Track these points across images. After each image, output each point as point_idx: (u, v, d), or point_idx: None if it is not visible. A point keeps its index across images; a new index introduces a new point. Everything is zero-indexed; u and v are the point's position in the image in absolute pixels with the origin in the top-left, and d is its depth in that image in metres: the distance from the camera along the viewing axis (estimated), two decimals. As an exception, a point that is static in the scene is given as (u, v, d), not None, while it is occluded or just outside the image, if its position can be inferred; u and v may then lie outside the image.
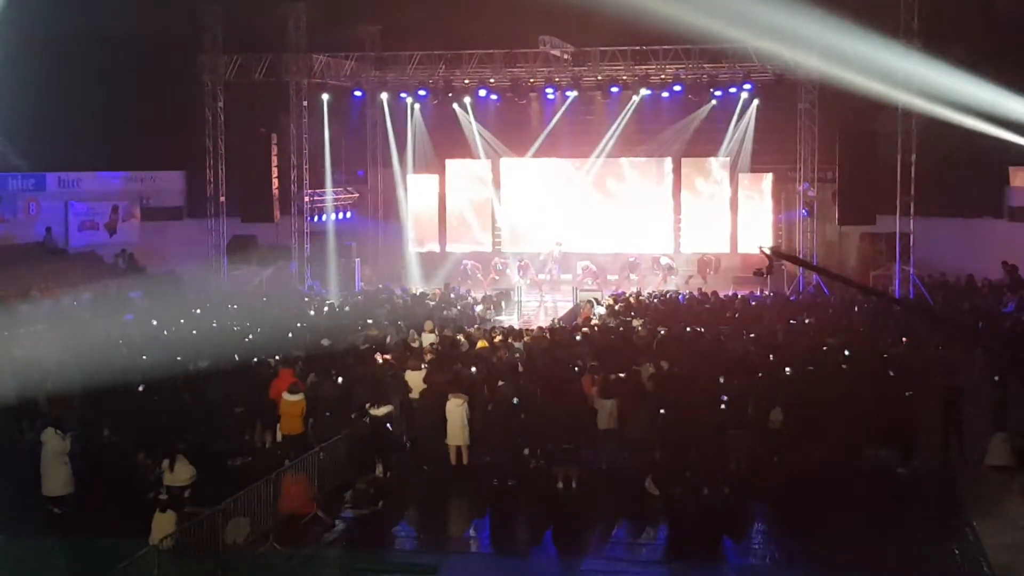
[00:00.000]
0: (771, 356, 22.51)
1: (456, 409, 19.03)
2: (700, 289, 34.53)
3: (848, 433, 19.06)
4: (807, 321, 28.04)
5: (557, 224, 41.33)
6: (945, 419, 19.49)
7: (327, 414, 19.73)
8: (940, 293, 32.75)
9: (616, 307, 30.94)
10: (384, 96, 41.30)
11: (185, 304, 32.11)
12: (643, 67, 37.23)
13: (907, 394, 19.65)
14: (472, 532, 17.37)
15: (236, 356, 23.38)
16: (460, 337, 25.21)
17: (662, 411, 18.91)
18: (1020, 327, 26.66)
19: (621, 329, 26.56)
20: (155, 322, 28.83)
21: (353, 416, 18.95)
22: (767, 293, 34.75)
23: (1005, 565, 14.99)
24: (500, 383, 20.11)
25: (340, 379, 21.08)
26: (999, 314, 28.56)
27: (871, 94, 31.67)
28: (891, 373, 20.56)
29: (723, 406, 19.06)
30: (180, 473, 16.79)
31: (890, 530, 16.30)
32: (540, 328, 27.65)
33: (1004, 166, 36.86)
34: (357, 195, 43.04)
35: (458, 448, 19.17)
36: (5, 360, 25.27)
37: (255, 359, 22.81)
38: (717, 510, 17.20)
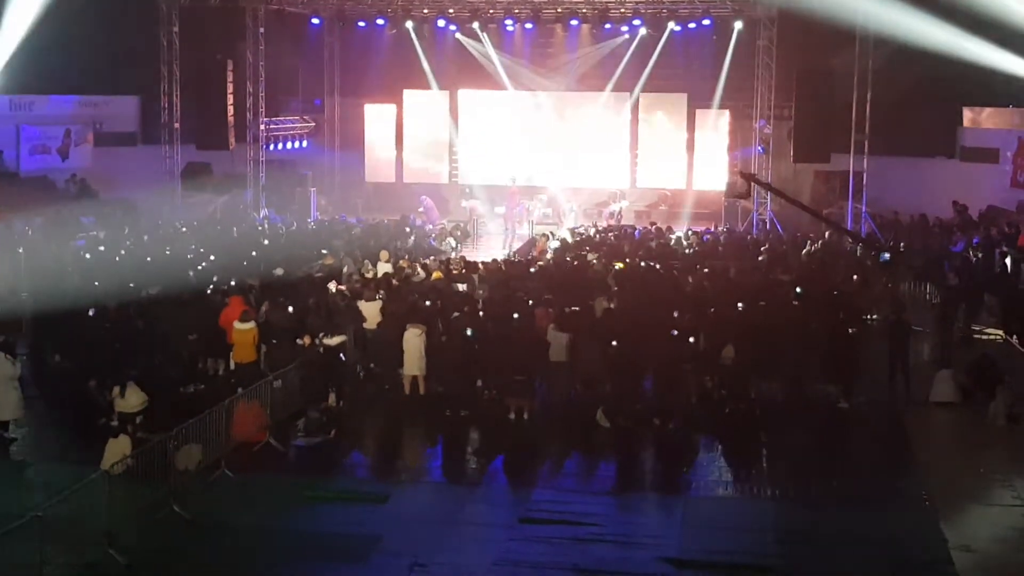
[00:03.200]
0: (723, 291, 22.70)
1: (414, 339, 19.09)
2: (654, 223, 34.62)
3: (796, 368, 19.37)
4: (760, 259, 28.27)
5: (515, 156, 41.16)
6: (893, 356, 19.81)
7: (274, 342, 19.69)
8: (891, 232, 33.07)
9: (571, 241, 31.01)
10: (341, 24, 40.75)
11: (138, 230, 31.81)
12: (603, 0, 37.02)
13: (855, 330, 19.91)
14: (424, 461, 17.51)
15: (190, 284, 23.27)
16: (416, 268, 25.24)
17: (614, 343, 19.05)
18: (968, 266, 27.02)
19: (576, 263, 26.65)
20: (104, 248, 28.53)
21: (306, 345, 18.94)
22: (721, 229, 34.94)
23: (945, 498, 15.32)
24: (455, 315, 20.17)
25: (292, 308, 21.04)
26: (948, 253, 28.89)
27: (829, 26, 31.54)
28: (841, 313, 20.77)
29: (674, 339, 19.25)
30: (131, 399, 16.74)
31: (835, 464, 16.63)
32: (495, 261, 27.69)
33: (957, 106, 37.11)
34: (314, 124, 42.59)
35: (414, 378, 19.26)
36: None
37: (209, 287, 22.69)
38: (666, 442, 17.50)
